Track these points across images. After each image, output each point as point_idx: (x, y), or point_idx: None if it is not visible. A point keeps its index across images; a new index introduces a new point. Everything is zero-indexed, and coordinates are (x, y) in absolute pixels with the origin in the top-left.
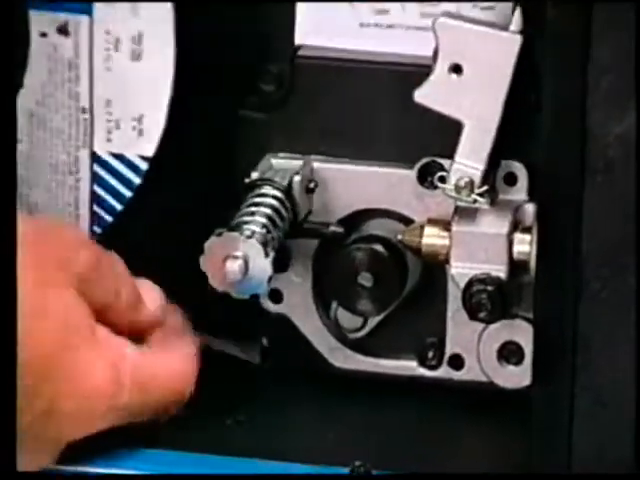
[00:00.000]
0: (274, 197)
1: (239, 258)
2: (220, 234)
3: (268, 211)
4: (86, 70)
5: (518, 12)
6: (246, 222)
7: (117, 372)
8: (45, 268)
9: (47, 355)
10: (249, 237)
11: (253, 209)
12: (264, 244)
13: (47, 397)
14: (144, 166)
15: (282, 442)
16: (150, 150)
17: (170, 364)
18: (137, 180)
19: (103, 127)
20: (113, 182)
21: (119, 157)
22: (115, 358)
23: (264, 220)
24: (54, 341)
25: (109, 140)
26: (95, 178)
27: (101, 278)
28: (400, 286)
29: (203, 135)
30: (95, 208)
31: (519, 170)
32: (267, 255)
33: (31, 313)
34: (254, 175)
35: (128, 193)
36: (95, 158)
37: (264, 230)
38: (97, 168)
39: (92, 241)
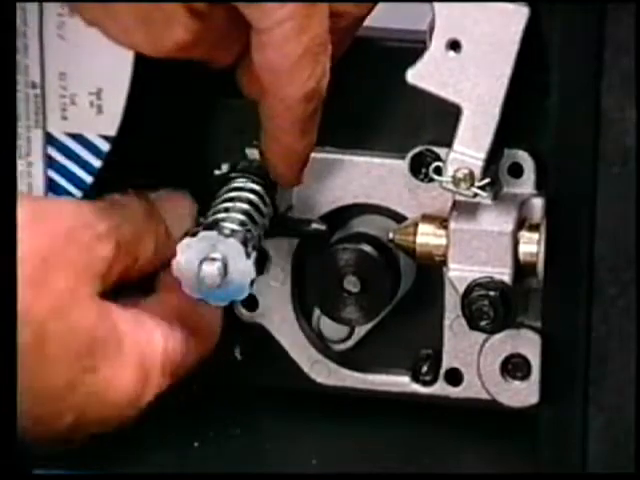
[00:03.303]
0: (251, 190)
1: (217, 260)
2: (195, 234)
3: (245, 206)
4: (35, 38)
5: None
6: (222, 219)
7: (145, 372)
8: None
9: (70, 378)
10: (228, 236)
11: (228, 205)
12: (245, 244)
13: (73, 414)
14: (105, 147)
15: (255, 469)
16: (112, 129)
17: (194, 346)
18: (97, 163)
19: (57, 104)
20: (70, 166)
21: (77, 137)
22: (143, 356)
23: (242, 217)
24: (77, 360)
25: (64, 118)
26: (50, 162)
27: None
28: (391, 291)
29: (171, 113)
30: (50, 196)
31: (525, 160)
32: (249, 256)
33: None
34: (225, 167)
35: (88, 178)
36: (49, 139)
37: (243, 228)
38: (52, 151)
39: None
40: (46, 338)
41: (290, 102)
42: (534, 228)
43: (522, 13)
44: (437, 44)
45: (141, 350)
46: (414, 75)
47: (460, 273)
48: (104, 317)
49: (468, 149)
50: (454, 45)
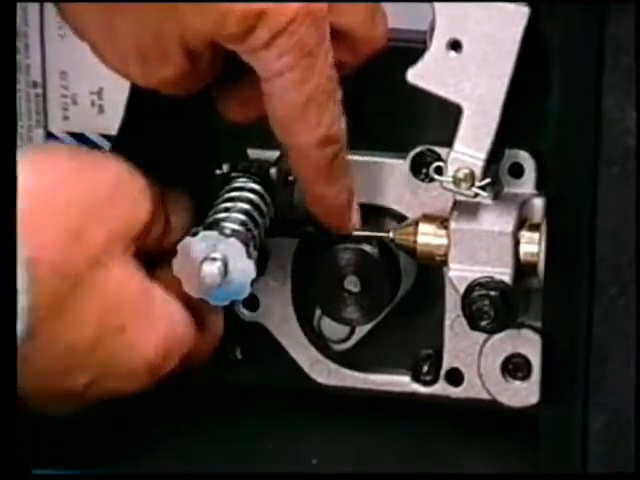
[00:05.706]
0: (252, 190)
1: (218, 260)
2: (195, 233)
3: (246, 206)
4: (37, 38)
5: None
6: (223, 219)
7: (170, 343)
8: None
9: (95, 334)
10: (229, 236)
11: (229, 204)
12: (245, 243)
13: (89, 374)
14: (106, 146)
15: (255, 469)
16: (113, 128)
17: (204, 339)
18: None
19: (58, 103)
20: None
21: (78, 137)
22: (172, 326)
23: (242, 216)
24: (105, 317)
25: (66, 118)
26: None
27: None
28: (391, 291)
29: (172, 113)
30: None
31: (526, 160)
32: (250, 256)
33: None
34: (225, 167)
35: None
36: (50, 139)
37: (244, 227)
38: None
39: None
40: (80, 290)
41: (304, 150)
42: (534, 228)
43: (522, 13)
44: (438, 44)
45: (171, 320)
46: (414, 75)
47: (460, 273)
48: (136, 277)
49: (469, 149)
50: (455, 45)
